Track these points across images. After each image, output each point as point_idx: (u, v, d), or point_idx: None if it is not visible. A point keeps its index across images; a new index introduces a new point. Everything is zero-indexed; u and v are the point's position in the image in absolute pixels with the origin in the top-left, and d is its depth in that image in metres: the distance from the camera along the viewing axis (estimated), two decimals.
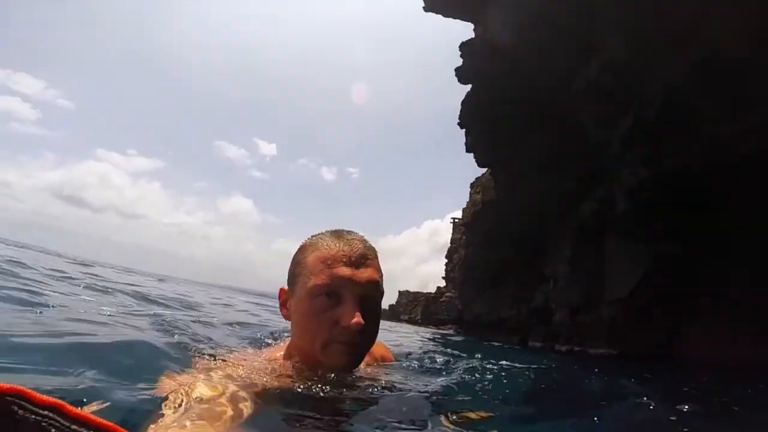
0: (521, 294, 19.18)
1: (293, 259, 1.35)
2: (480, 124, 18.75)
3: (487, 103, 17.65)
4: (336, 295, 1.24)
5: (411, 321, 35.07)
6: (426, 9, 17.37)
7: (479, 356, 2.76)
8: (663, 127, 10.67)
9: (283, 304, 1.37)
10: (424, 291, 42.83)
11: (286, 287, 1.36)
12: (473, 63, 17.24)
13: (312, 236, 1.35)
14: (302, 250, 1.33)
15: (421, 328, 20.14)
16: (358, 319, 1.21)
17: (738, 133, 9.66)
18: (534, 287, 17.90)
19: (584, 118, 13.04)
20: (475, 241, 24.71)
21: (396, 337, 6.05)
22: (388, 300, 49.20)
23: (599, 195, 13.24)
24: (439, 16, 17.78)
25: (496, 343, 9.94)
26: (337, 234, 1.33)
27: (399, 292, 47.27)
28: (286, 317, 1.36)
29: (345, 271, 1.24)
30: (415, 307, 40.27)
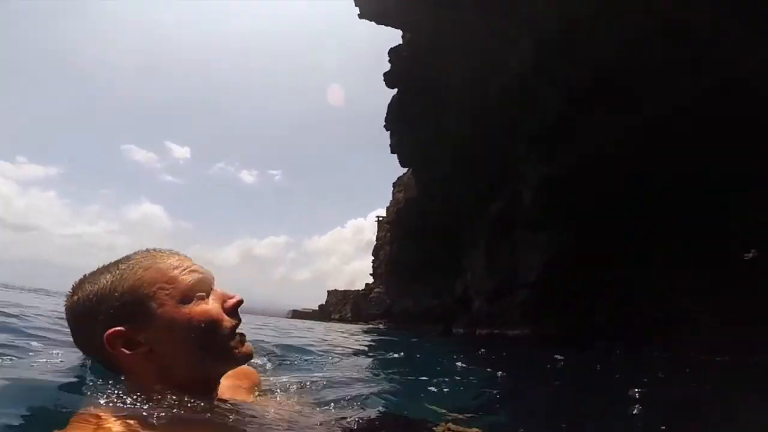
0: (444, 285, 20.26)
1: (115, 295, 1.16)
2: (403, 126, 19.53)
3: (411, 107, 18.43)
4: (204, 294, 1.21)
5: (341, 319, 35.43)
6: (360, 16, 17.83)
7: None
8: (561, 129, 11.79)
9: (125, 346, 1.13)
10: (353, 289, 43.35)
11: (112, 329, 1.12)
12: (400, 68, 17.95)
13: (121, 266, 1.20)
14: (126, 280, 1.17)
15: (352, 326, 20.60)
16: (236, 295, 1.24)
17: (626, 130, 10.92)
18: (455, 278, 18.99)
19: (495, 120, 14.07)
20: (399, 237, 25.55)
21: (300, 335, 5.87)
22: (318, 300, 49.31)
23: (509, 191, 14.33)
24: (372, 22, 18.16)
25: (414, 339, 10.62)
26: (153, 251, 1.26)
27: (328, 291, 47.49)
28: (131, 360, 1.14)
29: (198, 270, 1.24)
30: (345, 306, 40.67)
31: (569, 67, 11.10)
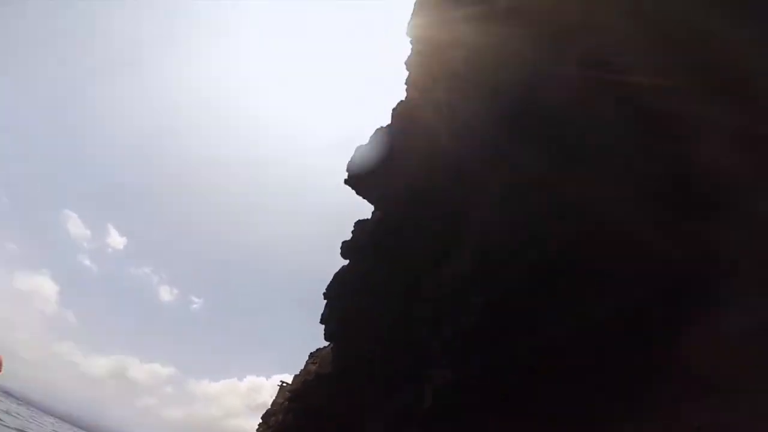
0: None
1: None
2: (339, 301, 20.37)
3: (354, 284, 19.56)
4: None
5: None
6: (346, 181, 19.65)
7: None
8: (477, 336, 12.84)
9: None
10: None
11: None
12: (359, 243, 19.43)
13: None
14: None
15: None
16: None
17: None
18: None
19: (416, 319, 15.19)
20: (297, 411, 24.33)
21: None
22: None
23: (412, 388, 14.82)
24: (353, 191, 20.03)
25: None
26: None
27: None
28: None
29: None
30: None
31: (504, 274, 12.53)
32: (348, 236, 20.75)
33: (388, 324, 17.22)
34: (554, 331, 10.63)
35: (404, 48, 17.85)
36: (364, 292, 18.98)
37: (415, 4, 16.72)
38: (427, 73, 15.89)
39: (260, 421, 31.46)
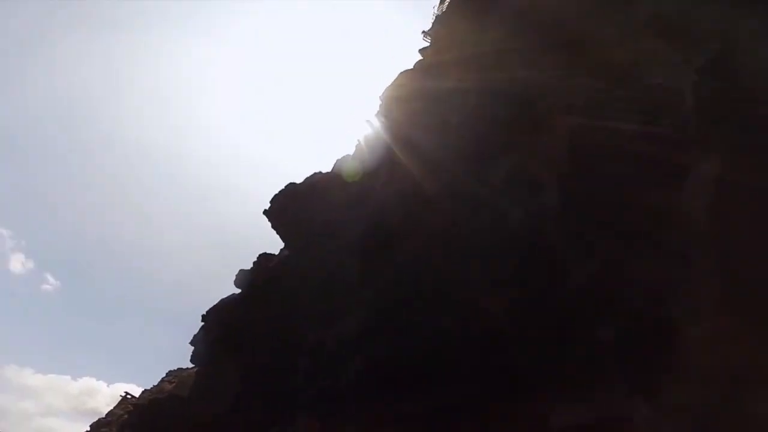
0: None
1: None
2: (219, 328, 20.09)
3: (234, 313, 19.57)
4: None
5: None
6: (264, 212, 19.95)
7: None
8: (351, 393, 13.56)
9: None
10: None
11: None
12: (257, 276, 19.62)
13: None
14: None
15: None
16: None
17: None
18: None
19: (293, 367, 15.69)
20: (137, 427, 22.89)
21: None
22: None
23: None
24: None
25: None
26: None
27: None
28: None
29: None
30: None
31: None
32: (247, 264, 20.94)
33: (262, 364, 17.41)
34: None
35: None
36: (247, 326, 19.06)
37: None
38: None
39: (87, 429, 28.78)
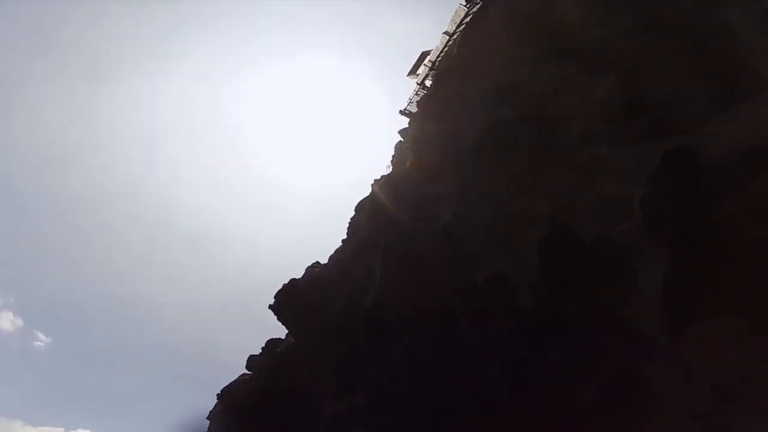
0: None
1: None
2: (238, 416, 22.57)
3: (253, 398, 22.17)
4: None
5: None
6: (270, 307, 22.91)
7: None
8: None
9: None
10: None
11: None
12: (267, 361, 22.38)
13: None
14: None
15: None
16: None
17: None
18: None
19: None
20: None
21: None
22: None
23: None
24: None
25: None
26: None
27: None
28: None
29: None
30: None
31: None
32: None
33: None
34: None
35: None
36: (261, 406, 21.62)
37: None
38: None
39: None
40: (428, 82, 23.29)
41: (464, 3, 21.17)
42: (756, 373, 8.12)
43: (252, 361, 23.47)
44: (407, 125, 24.23)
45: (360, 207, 23.54)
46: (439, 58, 22.61)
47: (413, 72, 25.65)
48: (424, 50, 25.02)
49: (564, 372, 11.72)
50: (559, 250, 12.61)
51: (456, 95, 18.18)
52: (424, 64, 24.36)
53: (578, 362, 11.41)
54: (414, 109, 23.95)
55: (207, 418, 24.95)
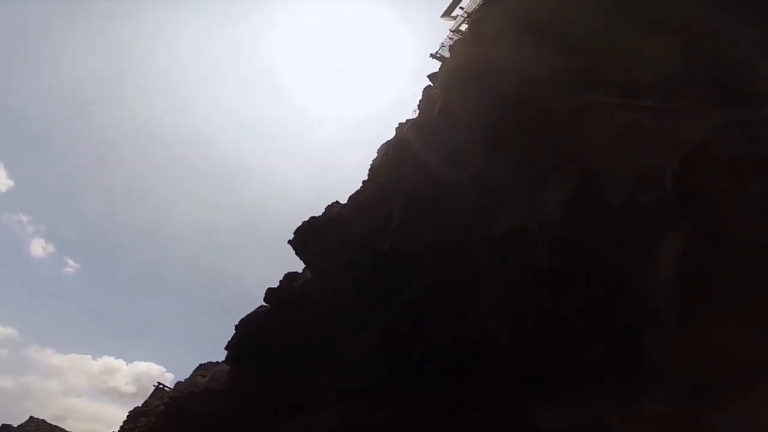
0: None
1: None
2: (252, 339, 23.69)
3: (269, 328, 23.18)
4: None
5: None
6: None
7: None
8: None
9: None
10: (61, 426, 39.15)
11: None
12: (286, 293, 23.24)
13: None
14: None
15: None
16: None
17: None
18: None
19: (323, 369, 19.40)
20: (175, 419, 26.26)
21: None
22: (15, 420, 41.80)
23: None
24: None
25: None
26: None
27: (31, 417, 41.32)
28: None
29: None
30: None
31: None
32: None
33: (291, 369, 21.13)
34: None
35: None
36: (276, 338, 22.64)
37: None
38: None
39: (127, 414, 32.26)
40: (463, 27, 22.30)
41: None
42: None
43: (270, 294, 24.33)
44: (437, 70, 23.49)
45: (383, 149, 23.36)
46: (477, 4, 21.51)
47: (448, 13, 24.57)
48: None
49: (570, 332, 11.95)
50: (584, 210, 12.50)
51: (493, 43, 17.40)
52: (460, 6, 23.27)
53: (585, 325, 11.62)
54: (446, 53, 23.09)
55: (225, 348, 26.16)
